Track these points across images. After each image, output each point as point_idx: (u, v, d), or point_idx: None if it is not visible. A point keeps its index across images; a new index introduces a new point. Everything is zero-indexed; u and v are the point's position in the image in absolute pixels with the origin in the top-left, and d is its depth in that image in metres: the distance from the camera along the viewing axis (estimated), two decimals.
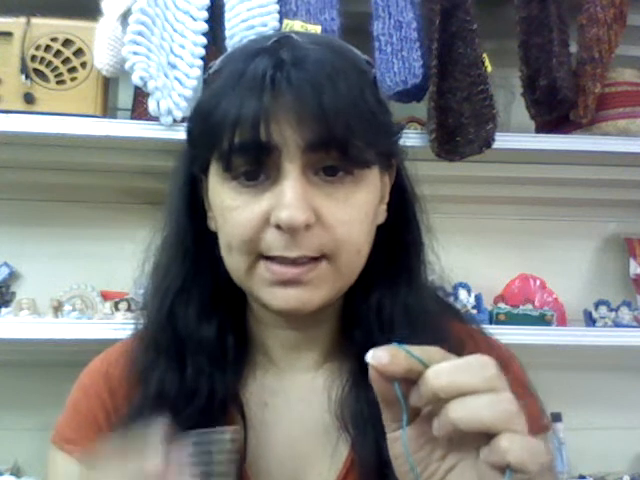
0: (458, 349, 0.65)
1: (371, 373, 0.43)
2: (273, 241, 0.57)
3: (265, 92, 0.55)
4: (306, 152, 0.56)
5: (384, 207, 0.65)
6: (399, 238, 0.67)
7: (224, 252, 0.61)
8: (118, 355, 0.70)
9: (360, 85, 0.58)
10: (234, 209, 0.58)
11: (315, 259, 0.58)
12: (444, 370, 0.42)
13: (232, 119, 0.55)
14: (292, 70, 0.55)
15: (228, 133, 0.56)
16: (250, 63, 0.57)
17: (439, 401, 0.42)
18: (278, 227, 0.56)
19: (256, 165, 0.57)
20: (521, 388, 0.69)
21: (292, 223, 0.55)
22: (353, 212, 0.58)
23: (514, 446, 0.40)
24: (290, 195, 0.55)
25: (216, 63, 0.63)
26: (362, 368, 0.64)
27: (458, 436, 0.43)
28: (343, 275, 0.60)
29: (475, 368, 0.42)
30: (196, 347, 0.64)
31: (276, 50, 0.57)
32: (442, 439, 0.44)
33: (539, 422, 0.68)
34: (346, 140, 0.56)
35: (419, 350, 0.43)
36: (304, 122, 0.55)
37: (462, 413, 0.41)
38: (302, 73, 0.55)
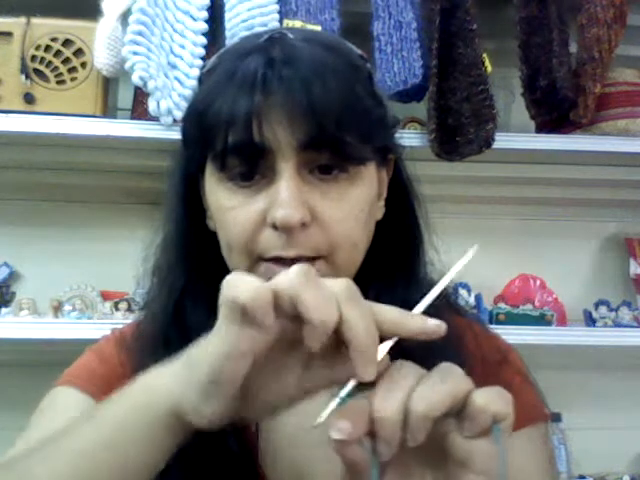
0: (457, 340, 0.66)
1: (337, 447, 0.40)
2: (270, 241, 0.57)
3: (256, 91, 0.55)
4: (299, 151, 0.56)
5: (382, 203, 0.65)
6: (397, 234, 0.67)
7: (225, 252, 0.61)
8: (129, 332, 0.70)
9: (351, 80, 0.58)
10: (230, 209, 0.58)
11: (312, 259, 0.58)
12: (386, 396, 0.40)
13: (224, 119, 0.55)
14: (283, 68, 0.55)
15: (221, 134, 0.56)
16: (242, 62, 0.57)
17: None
18: (274, 227, 0.56)
19: (251, 165, 0.57)
20: (519, 377, 0.69)
21: (287, 222, 0.55)
22: (348, 210, 0.58)
23: (489, 398, 0.39)
24: (285, 194, 0.55)
25: (210, 62, 0.63)
26: None
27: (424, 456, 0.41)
28: (340, 272, 0.60)
29: (397, 373, 0.41)
30: None
31: (268, 48, 0.57)
32: (414, 463, 0.43)
33: (537, 411, 0.68)
34: (338, 137, 0.55)
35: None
36: (295, 121, 0.55)
37: (424, 402, 0.39)
38: (292, 71, 0.55)
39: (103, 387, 0.64)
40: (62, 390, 0.66)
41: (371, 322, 0.40)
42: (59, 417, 0.61)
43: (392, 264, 0.66)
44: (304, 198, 0.56)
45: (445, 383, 0.40)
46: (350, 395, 0.41)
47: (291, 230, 0.55)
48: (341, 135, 0.55)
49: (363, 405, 0.40)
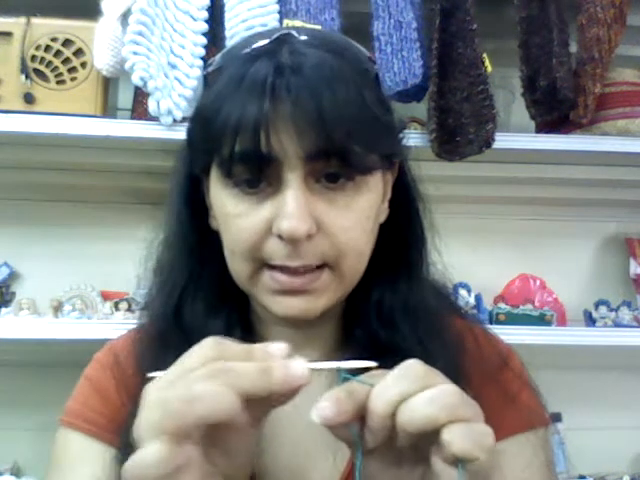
0: (457, 343, 0.66)
1: (324, 423, 0.41)
2: (275, 250, 0.57)
3: (265, 99, 0.54)
4: (307, 161, 0.55)
5: (386, 205, 0.65)
6: (400, 234, 0.67)
7: (228, 256, 0.61)
8: (123, 346, 0.71)
9: (360, 88, 0.57)
10: (236, 216, 0.58)
11: (317, 267, 0.58)
12: (382, 393, 0.41)
13: (232, 127, 0.55)
14: (291, 76, 0.54)
15: (229, 141, 0.55)
16: (250, 66, 0.56)
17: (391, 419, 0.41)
18: (280, 237, 0.56)
19: (257, 173, 0.57)
20: (519, 381, 0.69)
21: (293, 234, 0.55)
22: (354, 218, 0.58)
23: (455, 436, 0.39)
24: (292, 205, 0.55)
25: (216, 60, 0.63)
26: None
27: (421, 445, 0.42)
28: (345, 280, 0.60)
29: (404, 374, 0.42)
30: None
31: (276, 52, 0.57)
32: (408, 453, 0.43)
33: (537, 416, 0.68)
34: (346, 148, 0.55)
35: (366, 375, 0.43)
36: (303, 131, 0.54)
37: (406, 415, 0.40)
38: (301, 79, 0.54)
39: (106, 425, 0.66)
40: (68, 437, 0.68)
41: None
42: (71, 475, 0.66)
43: (395, 265, 0.66)
44: (310, 208, 0.56)
45: (434, 405, 0.40)
46: (352, 376, 0.42)
47: (297, 241, 0.55)
48: (350, 145, 0.55)
49: (358, 391, 0.42)
